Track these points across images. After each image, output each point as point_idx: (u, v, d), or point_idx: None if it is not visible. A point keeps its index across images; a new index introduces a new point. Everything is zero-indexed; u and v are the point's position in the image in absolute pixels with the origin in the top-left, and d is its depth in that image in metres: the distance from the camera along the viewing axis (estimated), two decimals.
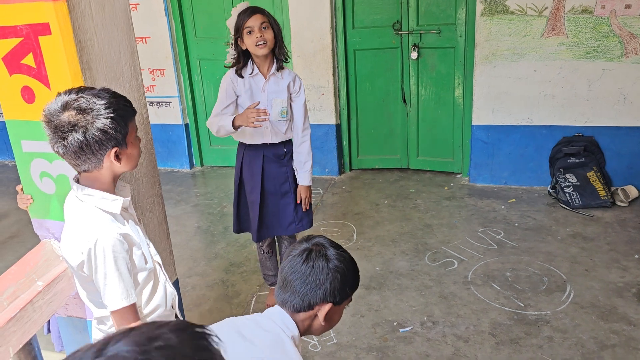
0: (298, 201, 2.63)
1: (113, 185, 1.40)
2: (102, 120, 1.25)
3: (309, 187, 2.63)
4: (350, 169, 4.60)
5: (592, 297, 2.69)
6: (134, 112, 1.36)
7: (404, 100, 4.31)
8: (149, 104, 4.75)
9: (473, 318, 2.60)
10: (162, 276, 1.53)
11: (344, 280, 1.27)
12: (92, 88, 1.32)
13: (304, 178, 2.60)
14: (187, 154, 4.88)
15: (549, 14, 3.62)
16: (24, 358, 1.69)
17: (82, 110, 1.25)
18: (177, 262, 3.20)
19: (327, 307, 1.26)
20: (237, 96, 2.47)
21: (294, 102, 2.55)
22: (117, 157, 1.32)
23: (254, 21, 2.32)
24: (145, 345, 0.57)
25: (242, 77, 2.45)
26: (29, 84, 1.60)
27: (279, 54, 2.44)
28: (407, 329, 2.55)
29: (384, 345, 2.45)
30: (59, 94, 1.30)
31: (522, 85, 3.81)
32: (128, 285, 1.33)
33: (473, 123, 4.03)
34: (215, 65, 4.59)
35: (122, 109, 1.30)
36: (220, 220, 3.86)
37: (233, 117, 2.41)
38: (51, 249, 1.81)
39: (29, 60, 1.57)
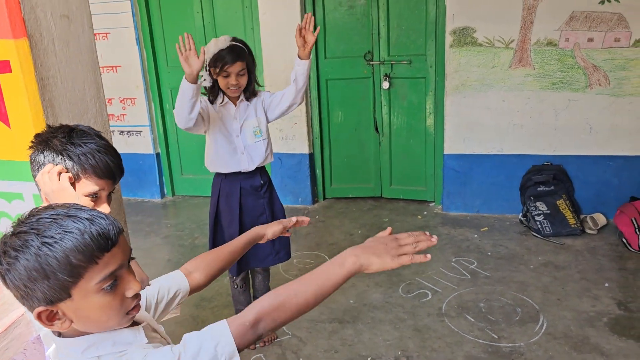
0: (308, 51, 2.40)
1: None
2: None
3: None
4: (324, 198, 4.58)
5: (564, 328, 2.69)
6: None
7: (376, 129, 4.34)
8: (119, 133, 4.68)
9: (447, 351, 2.57)
10: None
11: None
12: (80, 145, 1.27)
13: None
14: (158, 183, 4.79)
15: (515, 46, 3.71)
16: None
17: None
18: None
19: (37, 310, 0.87)
20: (207, 113, 2.47)
21: (272, 101, 2.54)
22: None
23: (234, 68, 2.36)
24: None
25: (212, 104, 2.48)
26: None
27: (250, 93, 2.48)
28: None
29: None
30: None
31: (491, 115, 3.87)
32: None
33: (445, 152, 4.07)
34: None
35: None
36: (191, 252, 3.77)
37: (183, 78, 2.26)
38: (8, 292, 1.72)
39: None
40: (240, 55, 2.36)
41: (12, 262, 0.84)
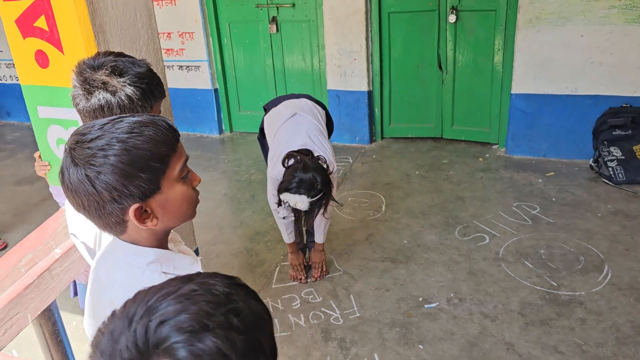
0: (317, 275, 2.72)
1: None
2: (132, 88, 1.22)
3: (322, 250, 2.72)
4: (382, 138, 4.48)
5: (630, 279, 2.55)
6: (163, 95, 1.32)
7: (440, 67, 4.13)
8: (179, 68, 4.70)
9: (502, 296, 2.50)
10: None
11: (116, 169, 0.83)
12: (132, 57, 1.29)
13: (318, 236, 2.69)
14: (216, 119, 4.84)
15: None
16: (44, 324, 1.70)
17: (116, 72, 1.22)
18: (203, 229, 3.20)
19: (134, 207, 0.86)
20: None
21: None
22: None
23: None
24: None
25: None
26: (43, 48, 1.55)
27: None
28: (433, 305, 2.48)
29: (408, 321, 2.39)
30: (99, 53, 1.27)
31: (567, 51, 3.57)
32: None
33: (512, 91, 3.83)
34: (245, 29, 4.49)
35: (154, 85, 1.27)
36: (247, 187, 3.83)
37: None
38: (69, 215, 1.79)
39: (41, 22, 1.52)
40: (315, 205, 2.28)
41: (103, 163, 0.82)
